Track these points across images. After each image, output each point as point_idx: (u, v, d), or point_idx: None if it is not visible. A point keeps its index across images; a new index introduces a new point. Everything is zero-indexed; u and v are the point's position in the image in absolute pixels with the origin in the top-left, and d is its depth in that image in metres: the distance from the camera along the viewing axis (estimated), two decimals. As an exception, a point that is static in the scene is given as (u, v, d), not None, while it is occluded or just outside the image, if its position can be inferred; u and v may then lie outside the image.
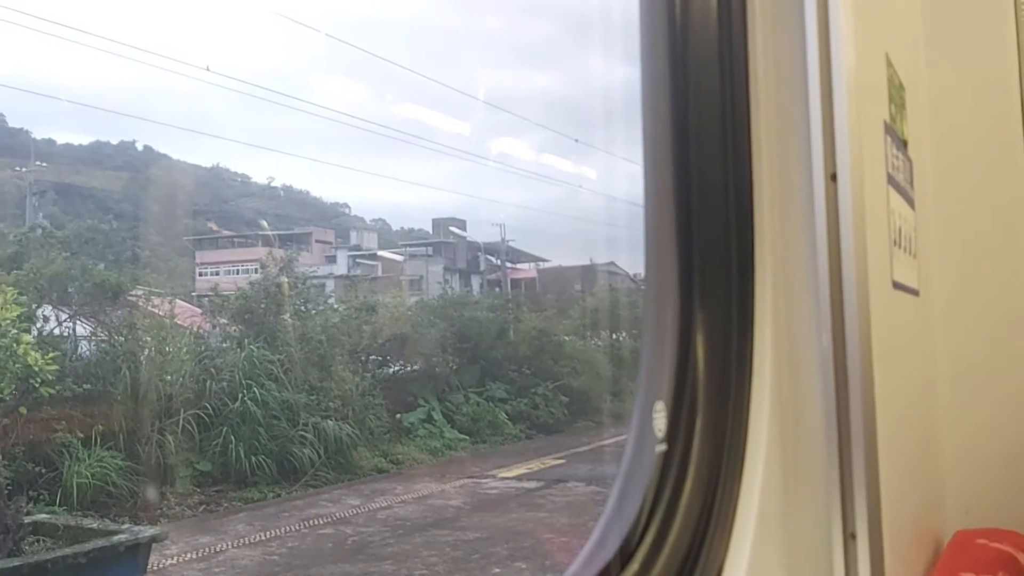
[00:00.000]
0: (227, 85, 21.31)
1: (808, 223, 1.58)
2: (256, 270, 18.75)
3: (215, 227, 31.88)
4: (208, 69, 16.70)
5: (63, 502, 10.38)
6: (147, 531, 7.55)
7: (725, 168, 1.65)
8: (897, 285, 1.88)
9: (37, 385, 7.88)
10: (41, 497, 10.30)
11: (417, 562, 9.88)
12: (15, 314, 7.68)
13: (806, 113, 1.58)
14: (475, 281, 31.88)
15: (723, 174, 1.65)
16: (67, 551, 6.58)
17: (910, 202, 2.09)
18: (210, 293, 17.72)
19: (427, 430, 16.95)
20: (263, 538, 10.89)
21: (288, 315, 15.97)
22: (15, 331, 7.59)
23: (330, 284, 23.84)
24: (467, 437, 17.52)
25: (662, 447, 1.61)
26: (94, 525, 7.97)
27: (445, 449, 16.67)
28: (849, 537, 1.53)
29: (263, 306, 15.83)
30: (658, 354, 1.66)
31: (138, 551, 6.84)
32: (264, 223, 30.51)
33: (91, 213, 25.93)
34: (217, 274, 22.53)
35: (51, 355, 8.30)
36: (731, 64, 1.65)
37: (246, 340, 14.79)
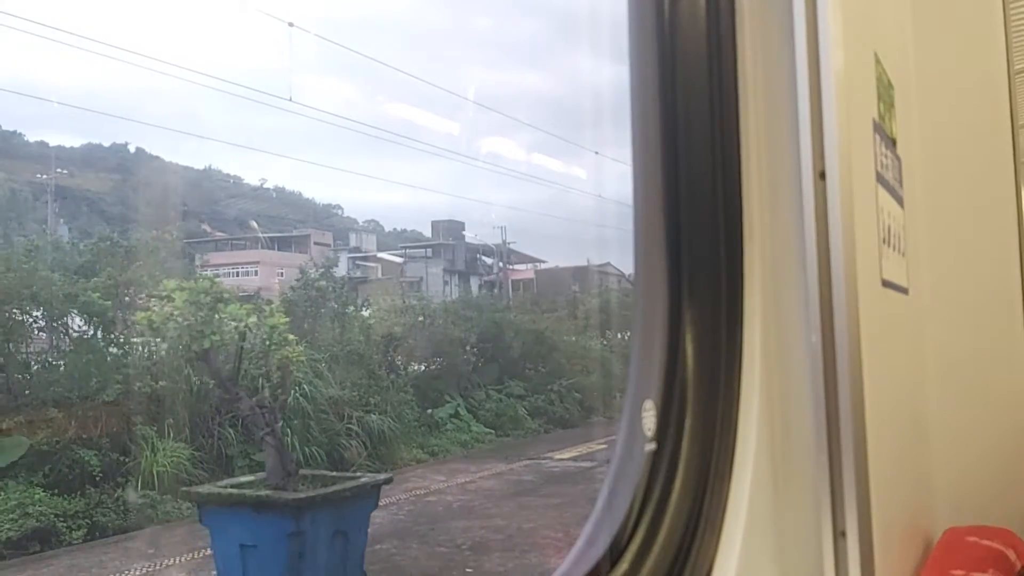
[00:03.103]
0: (217, 87, 21.37)
1: (797, 221, 1.58)
2: (255, 272, 19.75)
3: (208, 229, 31.77)
4: (291, 99, 17.17)
5: (144, 486, 11.58)
6: (380, 476, 9.29)
7: (714, 166, 1.65)
8: (887, 283, 1.88)
9: (293, 371, 9.81)
10: (129, 482, 11.51)
11: (521, 519, 11.43)
12: (283, 321, 9.53)
13: (794, 110, 1.57)
14: (474, 282, 32.02)
15: (712, 172, 1.65)
16: (336, 488, 8.04)
17: (899, 200, 2.10)
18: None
19: (455, 424, 18.02)
20: (381, 504, 12.15)
21: (330, 317, 17.26)
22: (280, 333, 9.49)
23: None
24: (492, 431, 18.60)
25: (651, 446, 1.61)
26: (334, 473, 10.19)
27: (473, 442, 17.70)
28: (839, 535, 1.53)
29: (306, 308, 16.98)
30: (647, 353, 1.66)
31: (377, 490, 8.34)
32: (254, 224, 30.53)
33: (86, 216, 25.91)
34: (217, 276, 22.46)
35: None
36: (719, 63, 1.65)
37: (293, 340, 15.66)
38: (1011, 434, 2.42)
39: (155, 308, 8.77)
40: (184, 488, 10.53)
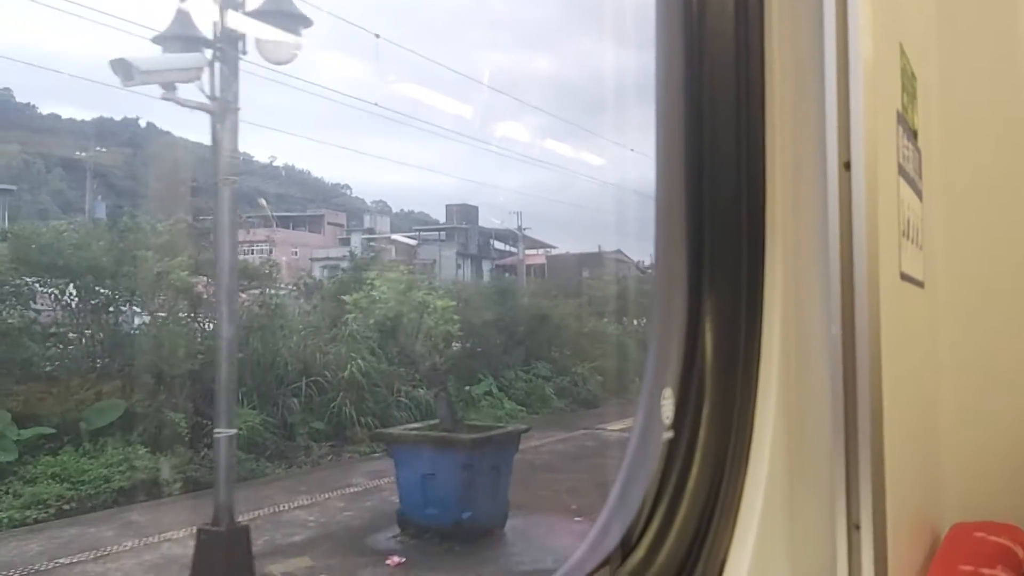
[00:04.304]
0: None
1: (820, 211, 1.57)
2: (270, 251, 20.63)
3: (219, 205, 31.59)
4: (376, 104, 18.28)
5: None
6: (521, 426, 11.13)
7: (738, 154, 1.64)
8: (904, 276, 1.87)
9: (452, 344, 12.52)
10: (209, 444, 12.35)
11: (599, 473, 11.95)
12: (451, 304, 11.93)
13: (821, 100, 1.56)
14: (486, 266, 32.21)
15: (736, 160, 1.64)
16: (492, 433, 10.11)
17: (918, 193, 2.08)
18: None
19: (488, 401, 19.00)
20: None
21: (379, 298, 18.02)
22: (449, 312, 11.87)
23: (346, 267, 24.07)
24: (523, 408, 19.52)
25: (669, 434, 1.61)
26: (481, 423, 12.09)
27: (507, 418, 18.38)
28: (853, 527, 1.53)
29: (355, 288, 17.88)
30: (666, 340, 1.66)
31: (518, 437, 10.09)
32: (262, 201, 30.60)
33: (98, 189, 25.94)
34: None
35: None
36: (747, 51, 1.63)
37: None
38: (1021, 431, 2.42)
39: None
40: (377, 431, 13.10)
